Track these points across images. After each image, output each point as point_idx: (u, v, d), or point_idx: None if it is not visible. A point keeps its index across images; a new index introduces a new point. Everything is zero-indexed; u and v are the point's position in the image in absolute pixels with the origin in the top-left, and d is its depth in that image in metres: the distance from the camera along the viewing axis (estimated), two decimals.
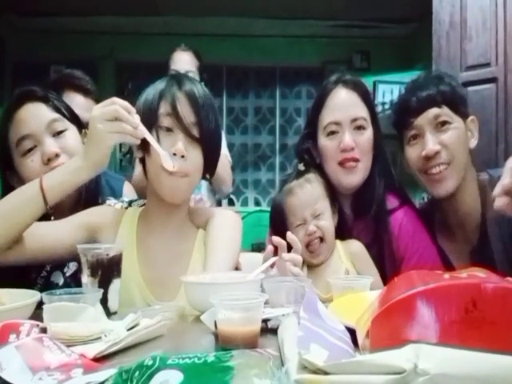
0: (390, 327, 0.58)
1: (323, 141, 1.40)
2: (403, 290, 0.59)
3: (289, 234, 1.18)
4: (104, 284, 1.03)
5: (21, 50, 4.84)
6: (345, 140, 1.35)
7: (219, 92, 5.16)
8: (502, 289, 0.57)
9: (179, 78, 1.23)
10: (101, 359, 0.72)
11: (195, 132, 1.17)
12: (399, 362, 0.50)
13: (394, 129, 1.46)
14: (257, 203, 5.29)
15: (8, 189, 1.27)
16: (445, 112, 1.35)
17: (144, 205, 1.33)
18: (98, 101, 1.78)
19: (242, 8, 4.39)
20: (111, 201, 1.38)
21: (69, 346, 0.73)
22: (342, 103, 1.39)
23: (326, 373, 0.54)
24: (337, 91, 1.40)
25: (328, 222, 1.33)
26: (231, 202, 5.03)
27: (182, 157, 1.15)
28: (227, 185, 2.34)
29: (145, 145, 1.17)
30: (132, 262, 1.20)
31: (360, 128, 1.37)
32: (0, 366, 0.64)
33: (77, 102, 1.76)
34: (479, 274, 0.61)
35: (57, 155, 1.26)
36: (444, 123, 1.35)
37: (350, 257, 1.35)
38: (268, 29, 4.87)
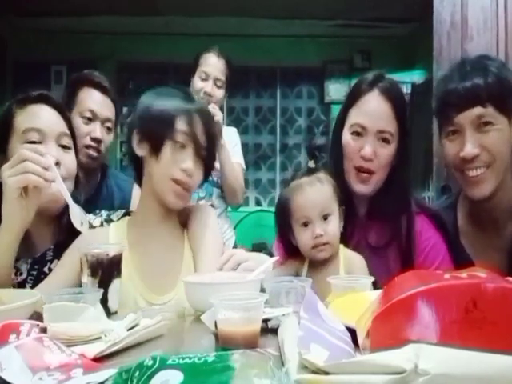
0: (391, 327, 0.58)
1: (347, 137, 1.36)
2: (404, 289, 0.59)
3: None
4: (104, 284, 1.03)
5: (21, 49, 4.84)
6: (365, 150, 1.32)
7: None
8: (503, 289, 0.57)
9: (191, 96, 1.27)
10: (101, 359, 0.72)
11: (204, 153, 1.23)
12: (399, 361, 0.50)
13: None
14: (257, 203, 5.28)
15: None
16: (489, 112, 1.24)
17: (125, 214, 1.34)
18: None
19: (242, 8, 4.39)
20: (89, 216, 1.33)
21: (69, 346, 0.73)
22: (372, 112, 1.33)
23: (326, 373, 0.54)
24: (371, 96, 1.34)
25: (335, 228, 1.29)
26: None
27: (189, 175, 1.20)
28: (238, 199, 2.26)
29: (155, 143, 1.18)
30: (128, 266, 1.19)
31: (384, 141, 1.33)
32: (0, 365, 0.64)
33: (95, 97, 1.78)
34: (480, 273, 0.61)
35: (57, 163, 1.22)
36: (486, 124, 1.24)
37: (348, 269, 1.29)
38: (269, 28, 4.86)
